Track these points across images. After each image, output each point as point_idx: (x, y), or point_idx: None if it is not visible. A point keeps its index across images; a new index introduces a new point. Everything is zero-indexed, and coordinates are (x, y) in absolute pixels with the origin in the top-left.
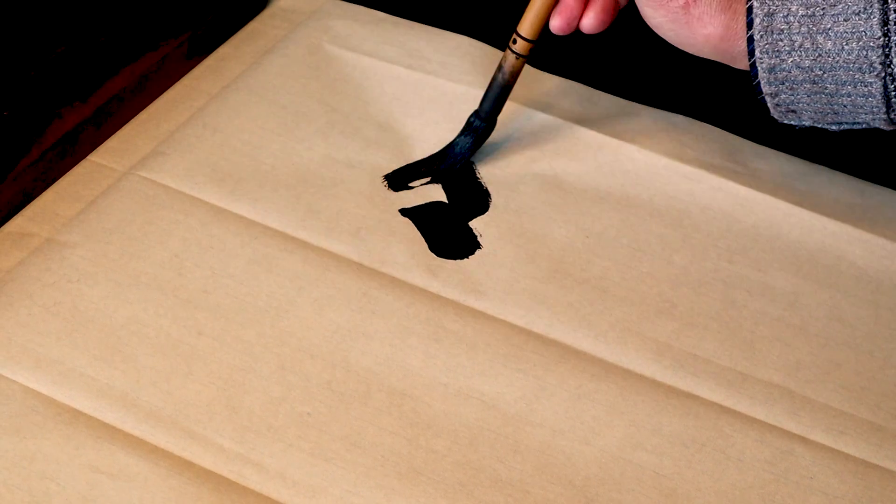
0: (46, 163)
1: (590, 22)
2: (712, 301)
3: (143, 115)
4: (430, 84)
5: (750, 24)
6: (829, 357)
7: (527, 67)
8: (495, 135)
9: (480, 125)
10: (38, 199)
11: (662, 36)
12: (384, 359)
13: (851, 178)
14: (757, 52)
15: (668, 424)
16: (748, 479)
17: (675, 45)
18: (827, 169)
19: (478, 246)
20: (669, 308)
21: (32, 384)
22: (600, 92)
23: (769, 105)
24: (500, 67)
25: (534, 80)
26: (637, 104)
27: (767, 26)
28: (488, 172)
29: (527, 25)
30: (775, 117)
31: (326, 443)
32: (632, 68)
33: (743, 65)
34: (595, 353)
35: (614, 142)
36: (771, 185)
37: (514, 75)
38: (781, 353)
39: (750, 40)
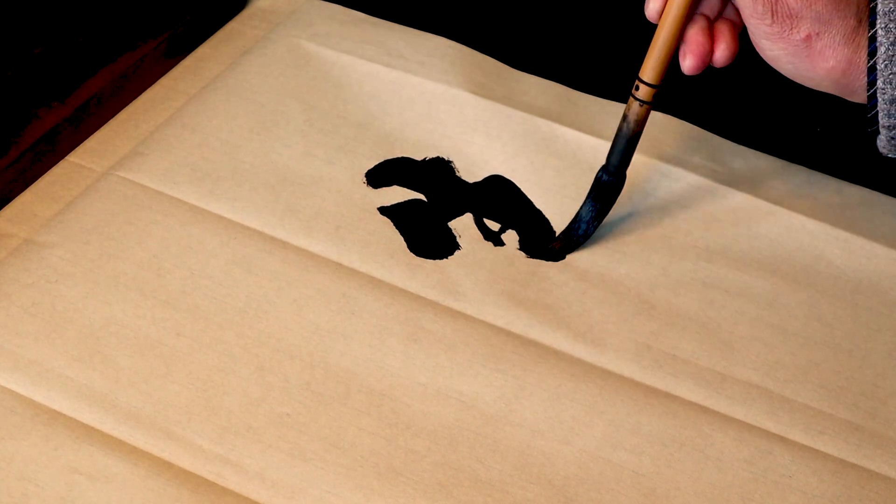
0: (24, 163)
1: (722, 54)
2: (691, 301)
3: (121, 116)
4: (409, 83)
5: (873, 53)
6: (807, 356)
7: (505, 67)
8: (472, 134)
9: (609, 180)
10: (16, 199)
11: (778, 69)
12: (363, 359)
13: (829, 177)
14: (879, 83)
15: (648, 424)
16: (727, 479)
17: (792, 78)
18: (805, 168)
19: (457, 246)
20: (648, 308)
21: (10, 385)
22: (579, 92)
23: (883, 138)
24: (624, 117)
25: (512, 80)
26: (616, 103)
27: (893, 55)
28: (468, 172)
29: (650, 70)
30: (882, 151)
31: (305, 443)
32: (611, 68)
33: (861, 98)
34: (574, 354)
35: (593, 140)
36: (750, 183)
37: (640, 124)
38: (760, 352)
39: (871, 70)
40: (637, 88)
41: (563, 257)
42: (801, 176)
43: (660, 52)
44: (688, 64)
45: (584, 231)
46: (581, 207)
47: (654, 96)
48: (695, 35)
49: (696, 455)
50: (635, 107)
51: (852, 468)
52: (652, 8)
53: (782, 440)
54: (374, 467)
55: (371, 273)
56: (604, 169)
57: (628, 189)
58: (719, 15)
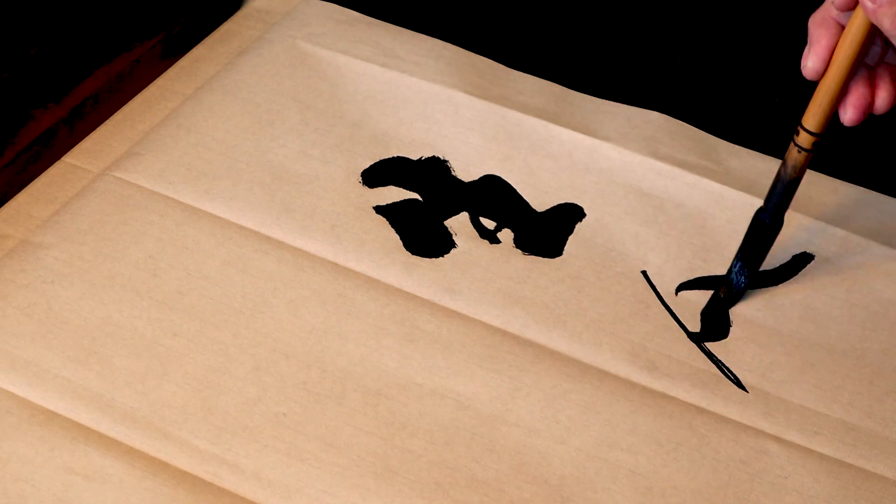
0: (20, 164)
1: (883, 102)
2: (687, 301)
3: (117, 116)
4: (405, 83)
5: None
6: (802, 357)
7: (500, 67)
8: (467, 134)
9: (766, 224)
10: (12, 200)
11: None
12: (359, 359)
13: (824, 176)
14: None
15: (643, 424)
16: (723, 478)
17: None
18: None
19: (453, 245)
20: (644, 308)
21: (7, 386)
22: (574, 91)
23: None
24: (784, 163)
25: (508, 80)
26: (611, 102)
27: None
28: (463, 171)
29: (812, 119)
30: None
31: (302, 443)
32: (606, 67)
33: None
34: (570, 354)
35: (589, 140)
36: (745, 182)
37: (799, 171)
38: (756, 353)
39: None
40: (798, 134)
41: (732, 305)
42: None
43: (824, 102)
44: (849, 117)
45: (745, 277)
46: (738, 252)
47: (815, 145)
48: (858, 87)
49: (691, 455)
50: (794, 153)
51: (848, 468)
52: (811, 68)
53: (778, 440)
54: (370, 467)
55: (367, 272)
56: (761, 212)
57: (624, 188)
58: (880, 61)
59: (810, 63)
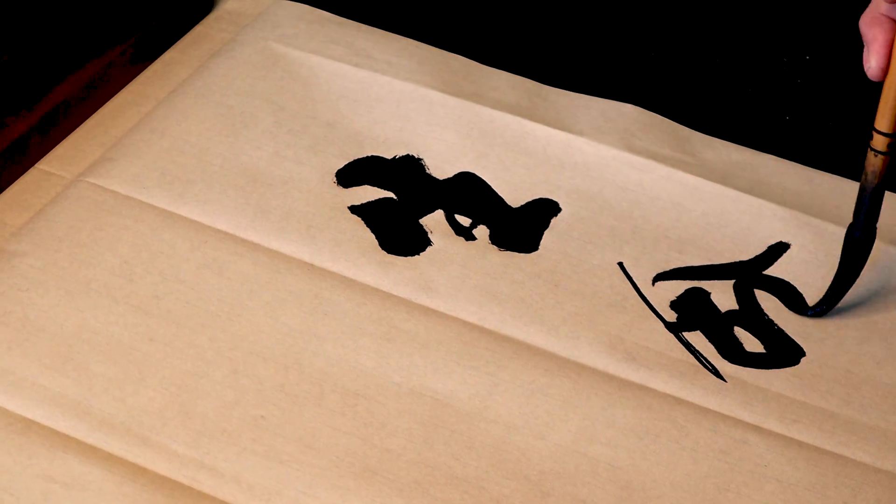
0: None
1: None
2: (664, 292)
3: (90, 122)
4: (378, 82)
5: None
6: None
7: (473, 64)
8: (441, 132)
9: (860, 237)
10: None
11: None
12: (337, 360)
13: (799, 165)
14: None
15: (622, 417)
16: (703, 469)
17: None
18: (775, 157)
19: (429, 243)
20: (621, 300)
21: None
22: (548, 86)
23: None
24: (864, 172)
25: (481, 76)
26: (585, 96)
27: None
28: (438, 169)
29: (884, 119)
30: None
31: (281, 445)
32: (579, 61)
33: None
34: (548, 348)
35: (563, 135)
36: (720, 173)
37: (880, 176)
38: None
39: None
40: (872, 139)
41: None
42: (770, 165)
43: (894, 100)
44: None
45: (850, 283)
46: (838, 270)
47: (891, 146)
48: None
49: (671, 446)
50: (872, 158)
51: (827, 455)
52: (875, 67)
53: (757, 429)
54: (349, 467)
55: (343, 273)
56: (853, 228)
57: (599, 183)
58: None
59: (874, 62)
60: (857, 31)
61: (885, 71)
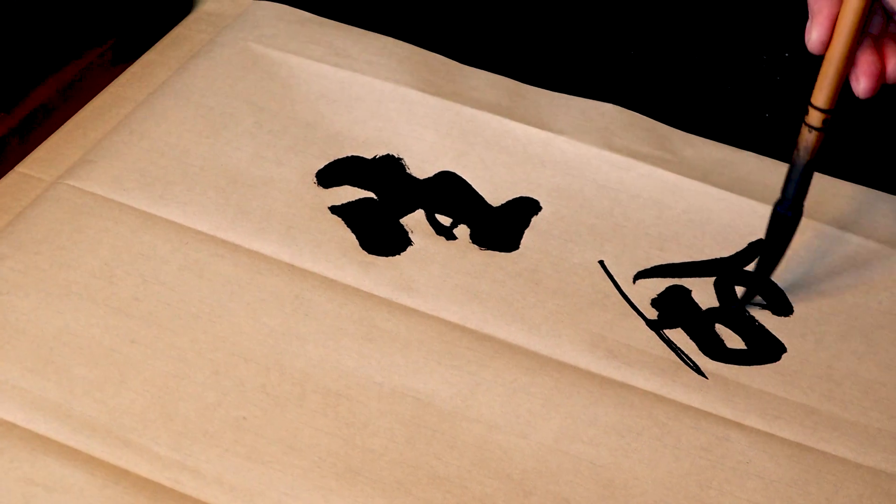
0: None
1: (895, 70)
2: (645, 290)
3: (69, 125)
4: (357, 81)
5: None
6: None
7: (453, 63)
8: (421, 131)
9: (787, 214)
10: None
11: None
12: (318, 360)
13: (779, 162)
14: None
15: (604, 415)
16: (685, 466)
17: None
18: (755, 155)
19: (409, 242)
20: (602, 298)
21: None
22: (528, 85)
23: None
24: (796, 147)
25: (461, 76)
26: (565, 95)
27: None
28: (418, 168)
29: (821, 94)
30: None
31: (263, 446)
32: (559, 60)
33: None
34: (529, 347)
35: (543, 134)
36: (700, 171)
37: (812, 153)
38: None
39: None
40: (807, 114)
41: (750, 301)
42: (751, 162)
43: (831, 73)
44: (862, 86)
45: (775, 261)
46: (763, 250)
47: (826, 123)
48: (866, 56)
49: (653, 444)
50: (806, 133)
51: (809, 451)
52: (816, 39)
53: (739, 426)
54: (332, 468)
55: (324, 273)
56: (779, 204)
57: (580, 181)
58: (884, 33)
59: (815, 34)
60: None
61: (826, 44)
